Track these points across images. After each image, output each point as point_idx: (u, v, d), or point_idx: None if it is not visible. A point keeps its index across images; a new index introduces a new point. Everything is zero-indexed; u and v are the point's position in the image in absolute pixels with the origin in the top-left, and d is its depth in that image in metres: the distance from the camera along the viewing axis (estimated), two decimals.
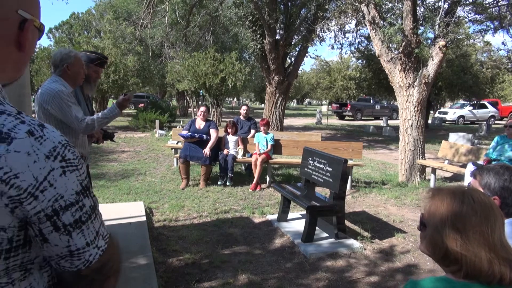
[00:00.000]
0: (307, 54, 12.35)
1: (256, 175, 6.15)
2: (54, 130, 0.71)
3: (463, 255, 0.93)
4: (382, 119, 23.49)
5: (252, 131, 7.19)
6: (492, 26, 7.71)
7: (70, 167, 0.69)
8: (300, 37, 11.61)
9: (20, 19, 0.71)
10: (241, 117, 7.40)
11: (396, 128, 13.16)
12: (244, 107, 7.46)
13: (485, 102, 23.62)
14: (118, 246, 0.83)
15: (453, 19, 6.53)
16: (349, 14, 8.50)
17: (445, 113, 23.50)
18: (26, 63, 0.80)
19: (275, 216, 4.68)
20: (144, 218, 4.22)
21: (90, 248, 0.72)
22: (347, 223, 4.37)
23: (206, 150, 6.05)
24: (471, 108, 23.48)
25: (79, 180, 0.71)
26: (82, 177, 0.72)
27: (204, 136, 6.15)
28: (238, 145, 6.63)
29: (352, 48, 13.23)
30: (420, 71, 6.64)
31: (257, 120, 7.78)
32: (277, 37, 10.97)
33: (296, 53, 11.90)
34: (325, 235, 4.11)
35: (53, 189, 0.66)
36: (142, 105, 21.31)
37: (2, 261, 0.67)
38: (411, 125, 6.72)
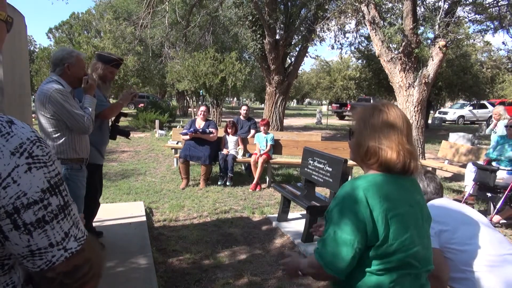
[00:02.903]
0: (307, 54, 12.37)
1: (256, 175, 6.15)
2: (24, 126, 0.69)
3: (380, 149, 1.22)
4: None
5: (252, 131, 7.19)
6: (492, 26, 7.72)
7: (37, 164, 0.67)
8: (300, 37, 11.62)
9: None
10: (241, 117, 7.40)
11: None
12: (244, 107, 7.46)
13: (484, 102, 23.59)
14: (99, 250, 0.78)
15: (453, 19, 6.53)
16: (349, 14, 8.50)
17: (445, 113, 23.49)
18: None
19: (275, 216, 4.67)
20: (144, 218, 4.22)
21: (54, 249, 0.69)
22: None
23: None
24: (471, 108, 23.47)
25: (47, 177, 0.68)
26: (52, 174, 0.69)
27: (207, 130, 6.14)
28: (238, 145, 6.63)
29: (352, 48, 13.26)
30: (420, 71, 6.64)
31: (257, 120, 7.78)
32: (277, 37, 10.98)
33: (296, 53, 11.91)
34: None
35: (17, 186, 0.64)
36: (142, 105, 21.32)
37: None
38: (411, 125, 6.73)
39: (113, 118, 3.50)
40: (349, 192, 1.22)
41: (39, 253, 0.68)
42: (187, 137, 6.18)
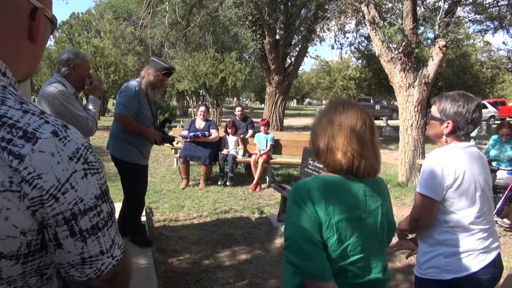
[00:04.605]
0: (307, 54, 12.35)
1: (256, 175, 6.15)
2: (77, 132, 0.69)
3: (328, 149, 1.18)
4: (382, 119, 23.48)
5: (250, 131, 7.18)
6: (492, 26, 7.71)
7: (91, 170, 0.67)
8: (300, 37, 11.60)
9: (30, 7, 0.69)
10: (237, 117, 7.39)
11: (396, 128, 13.15)
12: (238, 108, 7.44)
13: (484, 102, 23.57)
14: (130, 257, 0.79)
15: (453, 19, 6.52)
16: (349, 14, 8.49)
17: None
18: (40, 57, 0.77)
19: (275, 216, 4.67)
20: (144, 218, 4.22)
21: (104, 257, 0.69)
22: None
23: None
24: None
25: (99, 184, 0.69)
26: (102, 181, 0.70)
27: (206, 133, 6.15)
28: (238, 145, 6.63)
29: (352, 48, 13.24)
30: (420, 71, 6.64)
31: (258, 120, 7.77)
32: (277, 37, 10.96)
33: (296, 53, 11.89)
34: None
35: (74, 191, 0.64)
36: None
37: (19, 265, 0.65)
38: (411, 125, 6.72)
39: (158, 124, 3.66)
40: (298, 191, 1.17)
41: (90, 261, 0.68)
42: (187, 139, 6.20)
